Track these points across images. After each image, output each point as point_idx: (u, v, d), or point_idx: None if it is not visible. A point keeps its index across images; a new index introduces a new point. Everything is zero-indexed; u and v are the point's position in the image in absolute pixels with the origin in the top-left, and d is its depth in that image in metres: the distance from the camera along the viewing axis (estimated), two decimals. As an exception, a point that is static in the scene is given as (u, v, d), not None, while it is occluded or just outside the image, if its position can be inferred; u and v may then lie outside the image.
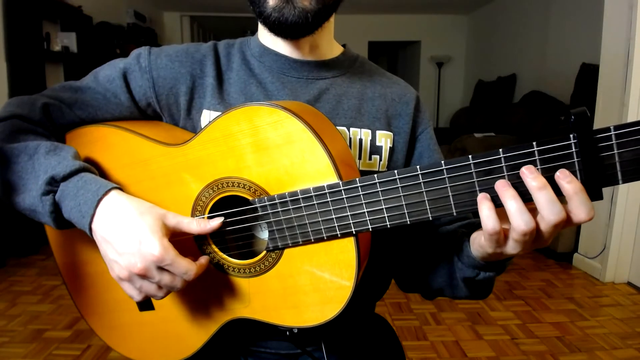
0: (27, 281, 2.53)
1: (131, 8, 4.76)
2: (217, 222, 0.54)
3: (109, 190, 0.52)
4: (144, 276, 0.50)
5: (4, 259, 2.77)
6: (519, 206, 0.42)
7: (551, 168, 0.42)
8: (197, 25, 6.48)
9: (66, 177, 0.53)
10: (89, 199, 0.51)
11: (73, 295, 0.69)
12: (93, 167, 0.61)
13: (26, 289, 2.44)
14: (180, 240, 0.57)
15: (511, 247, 0.46)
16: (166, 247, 0.49)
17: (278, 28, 0.60)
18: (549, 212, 0.42)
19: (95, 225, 0.52)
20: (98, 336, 0.69)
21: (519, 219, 0.42)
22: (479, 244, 0.52)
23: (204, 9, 5.77)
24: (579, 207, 0.41)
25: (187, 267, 0.50)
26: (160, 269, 0.49)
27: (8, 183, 0.55)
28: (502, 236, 0.45)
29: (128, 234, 0.50)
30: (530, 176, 0.41)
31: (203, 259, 0.54)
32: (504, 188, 0.43)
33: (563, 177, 0.41)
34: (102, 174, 0.61)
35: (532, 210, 0.43)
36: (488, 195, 0.44)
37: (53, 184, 0.52)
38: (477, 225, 0.60)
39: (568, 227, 0.44)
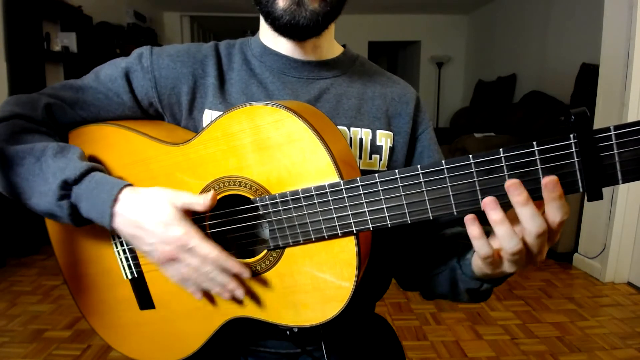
0: (27, 281, 2.53)
1: (131, 8, 4.76)
2: (208, 197, 0.54)
3: (122, 188, 0.54)
4: (175, 259, 0.53)
5: (4, 259, 2.77)
6: (507, 230, 0.43)
7: (551, 168, 0.42)
8: (197, 25, 6.48)
9: (77, 180, 0.54)
10: (104, 199, 0.53)
11: (74, 295, 0.69)
12: None
13: (26, 289, 2.44)
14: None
15: (507, 266, 0.48)
16: (188, 230, 0.52)
17: (289, 30, 0.60)
18: (532, 225, 0.43)
19: (117, 225, 0.54)
20: (99, 335, 0.69)
21: (508, 243, 0.44)
22: (477, 265, 0.53)
23: (204, 9, 5.76)
24: (554, 211, 0.42)
25: (209, 249, 0.52)
26: (189, 251, 0.52)
27: (15, 185, 0.55)
28: (496, 258, 0.47)
29: (152, 226, 0.52)
30: (516, 192, 0.42)
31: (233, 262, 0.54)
32: (491, 207, 0.43)
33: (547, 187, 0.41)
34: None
35: (513, 219, 0.44)
36: (476, 221, 0.44)
37: (66, 188, 0.54)
38: None
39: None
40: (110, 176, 0.56)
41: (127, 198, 0.54)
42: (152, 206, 0.53)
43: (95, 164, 0.57)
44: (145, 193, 0.54)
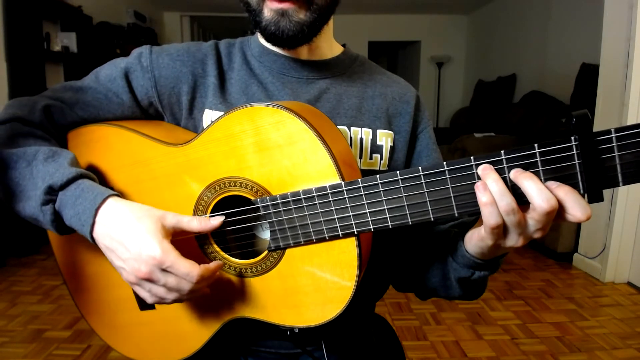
0: (27, 281, 2.53)
1: (131, 8, 4.76)
2: (218, 220, 0.54)
3: (106, 198, 0.52)
4: (149, 280, 0.50)
5: (4, 259, 2.77)
6: (501, 188, 0.43)
7: (552, 170, 0.42)
8: (197, 25, 6.47)
9: (63, 186, 0.52)
10: (87, 208, 0.51)
11: (73, 295, 0.69)
12: (94, 167, 0.61)
13: (26, 289, 2.44)
14: (181, 240, 0.57)
15: (508, 236, 0.47)
16: (166, 249, 0.49)
17: (275, 39, 0.60)
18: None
19: (96, 235, 0.52)
20: (98, 336, 0.69)
21: (501, 200, 0.43)
22: (479, 237, 0.51)
23: (204, 9, 5.76)
24: (574, 208, 0.42)
25: (189, 269, 0.49)
26: (165, 271, 0.49)
27: (7, 188, 0.55)
28: (502, 229, 0.46)
29: (128, 240, 0.49)
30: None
31: (212, 264, 0.53)
32: (486, 172, 0.43)
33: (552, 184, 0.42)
34: (104, 174, 0.61)
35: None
36: (487, 187, 0.44)
37: (51, 193, 0.52)
38: (470, 224, 0.60)
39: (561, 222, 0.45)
40: (97, 184, 0.54)
41: (110, 208, 0.51)
42: (134, 219, 0.50)
43: (85, 171, 0.55)
44: (133, 206, 0.52)
